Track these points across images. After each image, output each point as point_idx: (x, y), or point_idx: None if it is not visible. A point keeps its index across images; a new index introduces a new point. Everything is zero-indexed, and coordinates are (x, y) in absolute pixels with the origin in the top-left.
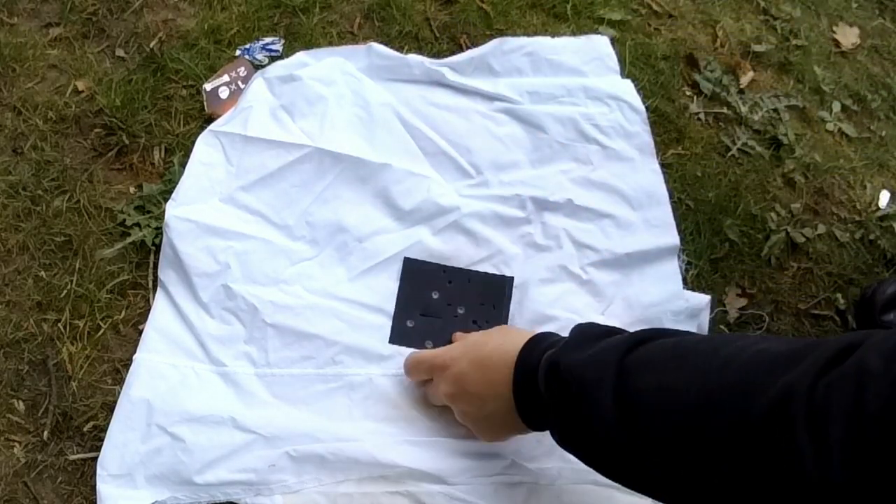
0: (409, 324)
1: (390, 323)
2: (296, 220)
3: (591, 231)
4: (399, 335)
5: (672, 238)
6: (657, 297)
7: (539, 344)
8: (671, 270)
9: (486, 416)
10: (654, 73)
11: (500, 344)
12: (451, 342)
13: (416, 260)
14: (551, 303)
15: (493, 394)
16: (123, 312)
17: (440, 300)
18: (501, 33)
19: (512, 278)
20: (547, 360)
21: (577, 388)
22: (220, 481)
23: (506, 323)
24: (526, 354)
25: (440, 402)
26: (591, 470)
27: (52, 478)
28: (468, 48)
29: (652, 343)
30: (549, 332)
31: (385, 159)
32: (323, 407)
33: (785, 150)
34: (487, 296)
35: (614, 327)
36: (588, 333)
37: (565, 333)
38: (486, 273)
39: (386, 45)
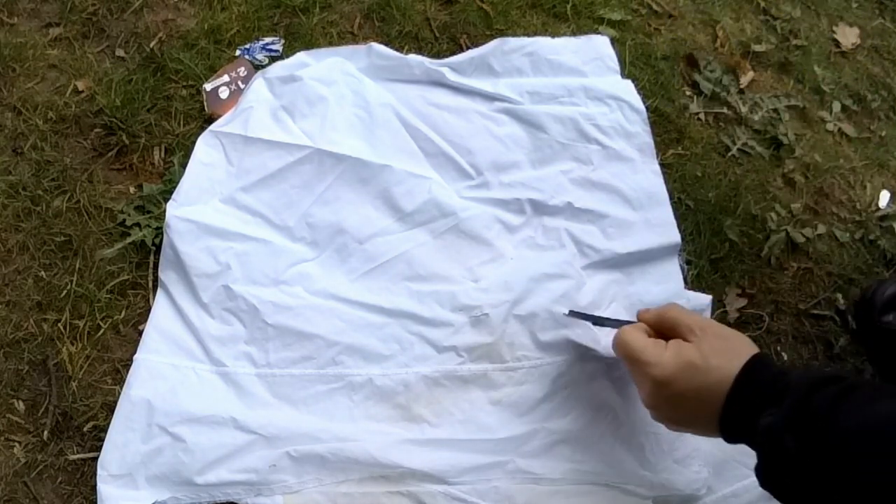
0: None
1: (391, 321)
2: (296, 221)
3: (592, 232)
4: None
5: (673, 237)
6: (659, 296)
7: (754, 387)
8: (673, 269)
9: (687, 426)
10: (654, 73)
11: (721, 377)
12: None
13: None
14: (556, 300)
15: (702, 418)
16: (123, 312)
17: None
18: (501, 33)
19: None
20: (762, 433)
21: (781, 465)
22: (220, 481)
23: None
24: (736, 404)
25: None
26: (592, 470)
27: (52, 478)
28: (468, 48)
29: (855, 408)
30: (764, 366)
31: (386, 160)
32: (323, 407)
33: (785, 150)
34: None
35: (826, 377)
36: (799, 400)
37: (572, 333)
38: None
39: (386, 45)
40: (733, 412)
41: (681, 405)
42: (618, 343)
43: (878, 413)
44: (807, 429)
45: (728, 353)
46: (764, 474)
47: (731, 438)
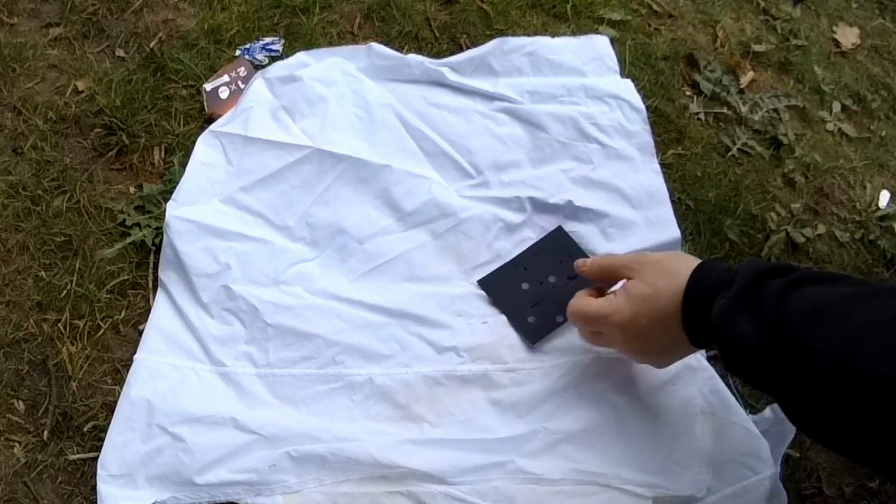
0: (531, 320)
1: (391, 321)
2: (296, 221)
3: (592, 233)
4: (534, 333)
5: (673, 232)
6: None
7: (699, 294)
8: None
9: (668, 355)
10: (654, 73)
11: (670, 295)
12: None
13: (485, 277)
14: None
15: (672, 340)
16: (123, 312)
17: (532, 286)
18: (501, 33)
19: (559, 226)
20: (716, 318)
21: (739, 349)
22: (220, 481)
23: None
24: (690, 308)
25: (608, 347)
26: (593, 471)
27: (52, 478)
28: (468, 48)
29: (804, 290)
30: (701, 271)
31: (386, 160)
32: (323, 407)
33: (785, 150)
34: (558, 252)
35: (775, 266)
36: (748, 286)
37: (573, 335)
38: (537, 241)
39: (386, 45)
40: (692, 315)
41: (651, 336)
42: (572, 313)
43: (821, 294)
44: (757, 309)
45: (669, 272)
46: (724, 361)
47: (702, 343)
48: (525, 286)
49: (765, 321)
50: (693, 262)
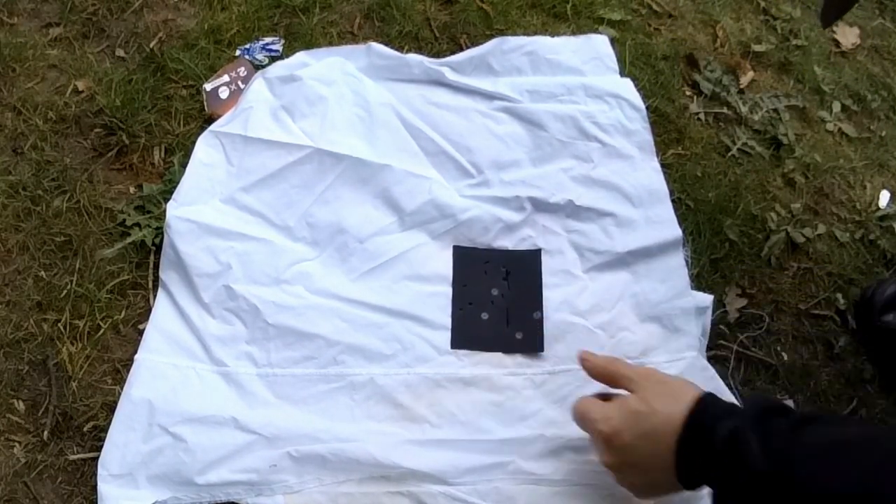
0: (518, 336)
1: (392, 321)
2: (296, 220)
3: (593, 231)
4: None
5: (674, 231)
6: (665, 294)
7: (704, 415)
8: (677, 264)
9: (648, 482)
10: (654, 72)
11: (667, 416)
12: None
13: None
14: (558, 306)
15: (657, 465)
16: (123, 312)
17: (491, 315)
18: (501, 33)
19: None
20: (726, 436)
21: (746, 477)
22: (221, 481)
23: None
24: (693, 428)
25: (598, 458)
26: (594, 471)
27: (52, 478)
28: (468, 48)
29: (816, 428)
30: (709, 397)
31: (386, 160)
32: (324, 407)
33: (785, 150)
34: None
35: (780, 404)
36: (759, 414)
37: (574, 338)
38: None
39: (386, 45)
40: (692, 438)
41: (634, 455)
42: (573, 411)
43: (835, 434)
44: (769, 435)
45: (670, 396)
46: (721, 487)
47: (688, 480)
48: (485, 316)
49: (776, 448)
50: (696, 390)
